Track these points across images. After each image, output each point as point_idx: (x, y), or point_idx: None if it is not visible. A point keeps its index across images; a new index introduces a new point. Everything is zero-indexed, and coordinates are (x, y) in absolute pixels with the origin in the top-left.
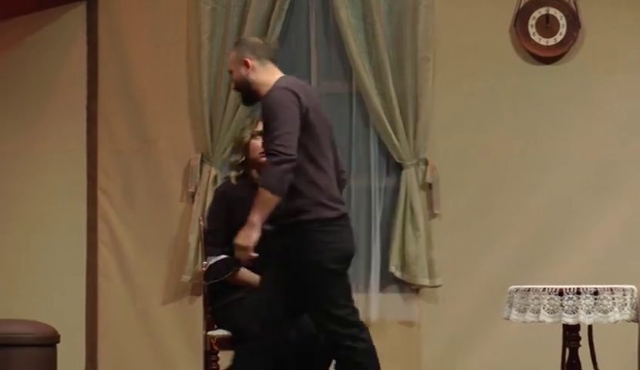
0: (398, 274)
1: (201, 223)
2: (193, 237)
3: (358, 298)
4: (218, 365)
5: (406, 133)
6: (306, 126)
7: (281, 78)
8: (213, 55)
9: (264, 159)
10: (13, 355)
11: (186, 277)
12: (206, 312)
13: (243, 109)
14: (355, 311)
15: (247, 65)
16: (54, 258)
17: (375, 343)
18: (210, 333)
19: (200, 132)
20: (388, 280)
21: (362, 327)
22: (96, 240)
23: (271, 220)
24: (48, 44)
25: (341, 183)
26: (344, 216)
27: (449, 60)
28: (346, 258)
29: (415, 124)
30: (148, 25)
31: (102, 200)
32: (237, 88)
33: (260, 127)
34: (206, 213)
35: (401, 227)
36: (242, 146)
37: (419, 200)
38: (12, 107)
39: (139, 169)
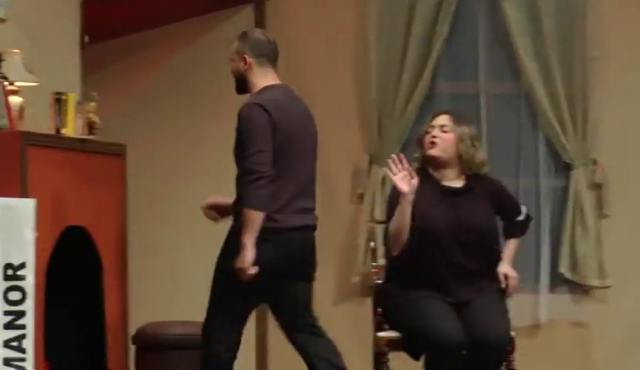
0: (568, 274)
1: (370, 224)
2: (362, 239)
3: (527, 299)
4: (388, 366)
5: (575, 133)
6: (274, 140)
7: (263, 88)
8: (381, 56)
9: (431, 152)
10: (177, 357)
11: (356, 279)
12: (375, 313)
13: (412, 111)
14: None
15: (244, 61)
16: None
17: (544, 344)
18: (379, 334)
19: (368, 133)
20: (558, 281)
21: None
22: None
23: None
24: (218, 46)
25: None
26: (272, 231)
27: (617, 59)
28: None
29: (583, 124)
30: (315, 27)
31: None
32: (234, 76)
33: (435, 122)
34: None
35: (570, 228)
36: (418, 142)
37: (588, 200)
38: (181, 109)
39: None
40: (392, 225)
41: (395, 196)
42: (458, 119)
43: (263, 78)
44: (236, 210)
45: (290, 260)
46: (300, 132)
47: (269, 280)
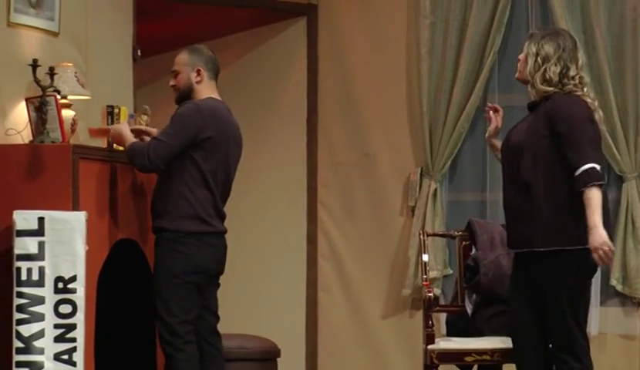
0: (619, 287)
1: (421, 237)
2: (412, 251)
3: None
4: None
5: (627, 146)
6: (202, 147)
7: (206, 98)
8: (433, 68)
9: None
10: (235, 369)
11: (407, 291)
12: (426, 326)
13: (463, 123)
14: (188, 324)
15: (198, 73)
16: (275, 271)
17: (594, 357)
18: (430, 347)
19: (419, 145)
20: (609, 294)
21: (188, 340)
22: (315, 253)
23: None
24: (270, 58)
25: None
26: (210, 234)
27: None
28: (198, 272)
29: (636, 136)
30: (368, 39)
31: (321, 213)
32: (178, 87)
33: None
34: None
35: (622, 241)
36: None
37: None
38: None
39: (358, 183)
40: None
41: None
42: (531, 37)
43: (209, 90)
44: (154, 225)
45: (219, 263)
46: (232, 143)
47: (205, 282)
